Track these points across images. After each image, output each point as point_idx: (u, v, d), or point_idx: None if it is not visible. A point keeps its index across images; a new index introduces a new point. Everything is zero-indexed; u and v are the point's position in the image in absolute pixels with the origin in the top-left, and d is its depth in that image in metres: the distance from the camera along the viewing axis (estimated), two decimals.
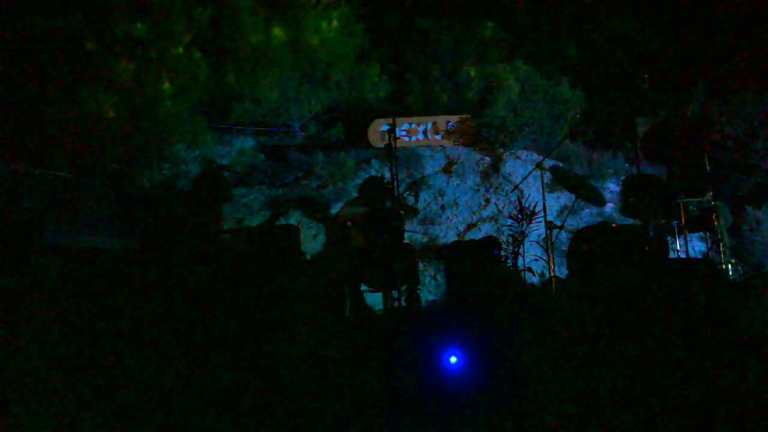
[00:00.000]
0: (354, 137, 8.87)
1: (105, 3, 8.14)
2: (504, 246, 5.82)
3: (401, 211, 5.57)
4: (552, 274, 5.36)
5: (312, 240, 6.97)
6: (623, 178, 6.60)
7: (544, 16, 9.77)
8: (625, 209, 5.57)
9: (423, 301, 5.82)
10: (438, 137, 8.76)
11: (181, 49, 8.54)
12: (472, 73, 9.42)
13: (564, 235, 6.74)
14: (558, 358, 3.47)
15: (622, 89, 9.44)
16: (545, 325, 3.87)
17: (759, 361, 3.28)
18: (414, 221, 7.27)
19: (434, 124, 8.82)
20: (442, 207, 7.64)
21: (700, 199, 5.55)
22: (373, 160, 8.25)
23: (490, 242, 5.61)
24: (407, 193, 7.81)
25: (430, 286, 6.65)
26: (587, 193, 5.66)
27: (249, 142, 8.75)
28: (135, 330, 3.39)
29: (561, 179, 6.51)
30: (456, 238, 7.17)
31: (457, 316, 4.76)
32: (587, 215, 7.54)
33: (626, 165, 8.23)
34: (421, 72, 9.60)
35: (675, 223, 5.52)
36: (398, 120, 6.29)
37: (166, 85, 8.18)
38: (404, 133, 8.63)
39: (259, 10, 8.76)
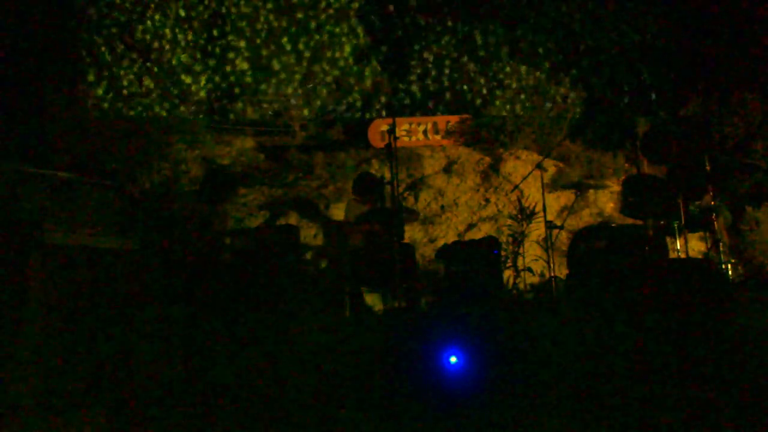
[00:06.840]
0: (354, 137, 8.87)
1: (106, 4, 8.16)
2: (504, 246, 5.83)
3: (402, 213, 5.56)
4: (552, 274, 5.37)
5: (312, 240, 6.96)
6: (623, 178, 6.60)
7: (545, 16, 9.77)
8: (625, 209, 5.56)
9: (423, 301, 5.82)
10: (438, 137, 8.76)
11: (181, 50, 8.56)
12: (472, 73, 9.41)
13: (564, 235, 6.74)
14: (558, 358, 3.47)
15: (622, 89, 9.45)
16: (545, 325, 3.87)
17: (759, 361, 3.28)
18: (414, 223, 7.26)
19: (434, 124, 8.83)
20: (442, 207, 7.64)
21: (699, 200, 5.55)
22: (373, 160, 8.24)
23: (490, 242, 5.61)
24: (407, 192, 7.80)
25: (430, 286, 6.64)
26: None
27: (249, 142, 8.74)
28: (135, 330, 3.40)
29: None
30: (456, 238, 7.16)
31: (457, 317, 4.76)
32: (587, 215, 7.54)
33: (626, 165, 8.24)
34: (421, 72, 9.59)
35: (675, 223, 5.50)
36: (398, 120, 6.28)
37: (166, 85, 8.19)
38: (404, 133, 8.63)
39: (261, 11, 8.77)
